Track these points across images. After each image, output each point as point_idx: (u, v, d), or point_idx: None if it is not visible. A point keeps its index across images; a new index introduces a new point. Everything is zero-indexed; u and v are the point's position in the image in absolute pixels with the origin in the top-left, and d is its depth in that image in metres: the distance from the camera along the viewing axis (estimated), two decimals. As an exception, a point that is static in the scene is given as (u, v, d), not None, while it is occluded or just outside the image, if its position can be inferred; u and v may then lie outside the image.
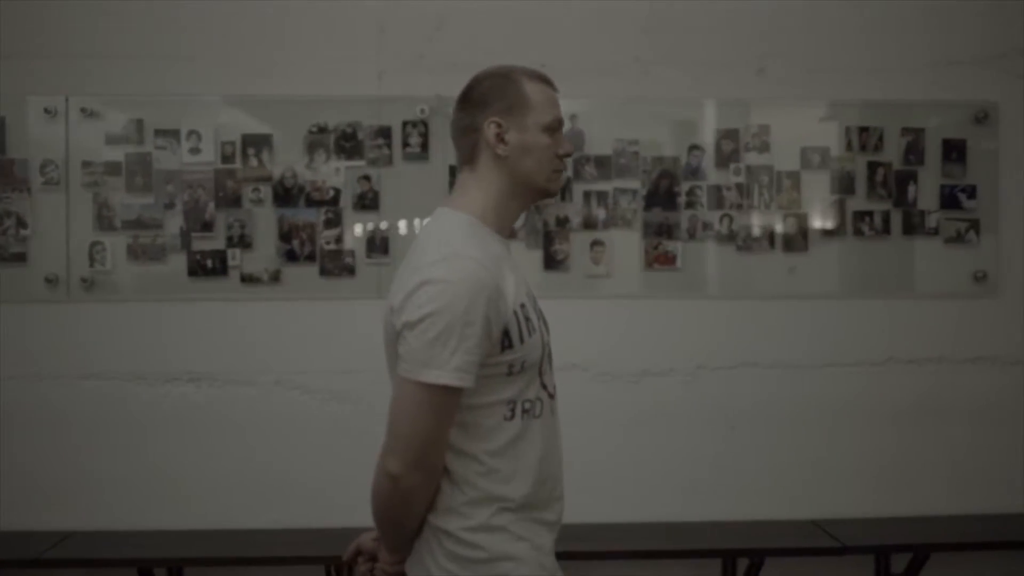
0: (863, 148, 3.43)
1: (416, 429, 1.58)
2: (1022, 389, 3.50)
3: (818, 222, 3.44)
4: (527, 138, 1.70)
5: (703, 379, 3.43)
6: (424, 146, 3.36)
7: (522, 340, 1.64)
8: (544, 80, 1.75)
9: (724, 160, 3.41)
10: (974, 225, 3.46)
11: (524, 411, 1.66)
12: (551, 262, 3.38)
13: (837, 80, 3.44)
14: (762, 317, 3.45)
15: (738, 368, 3.44)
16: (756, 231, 3.42)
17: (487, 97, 1.71)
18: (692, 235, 3.41)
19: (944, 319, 3.50)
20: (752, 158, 3.41)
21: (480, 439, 1.63)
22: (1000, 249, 3.48)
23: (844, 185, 3.43)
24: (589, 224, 3.39)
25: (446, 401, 1.58)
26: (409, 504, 1.63)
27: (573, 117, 3.36)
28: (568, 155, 1.79)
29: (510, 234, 1.82)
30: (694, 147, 3.41)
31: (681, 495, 3.40)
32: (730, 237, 3.41)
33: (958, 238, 3.46)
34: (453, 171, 3.35)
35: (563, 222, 3.39)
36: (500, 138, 1.69)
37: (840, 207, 3.44)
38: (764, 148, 3.41)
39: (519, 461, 1.65)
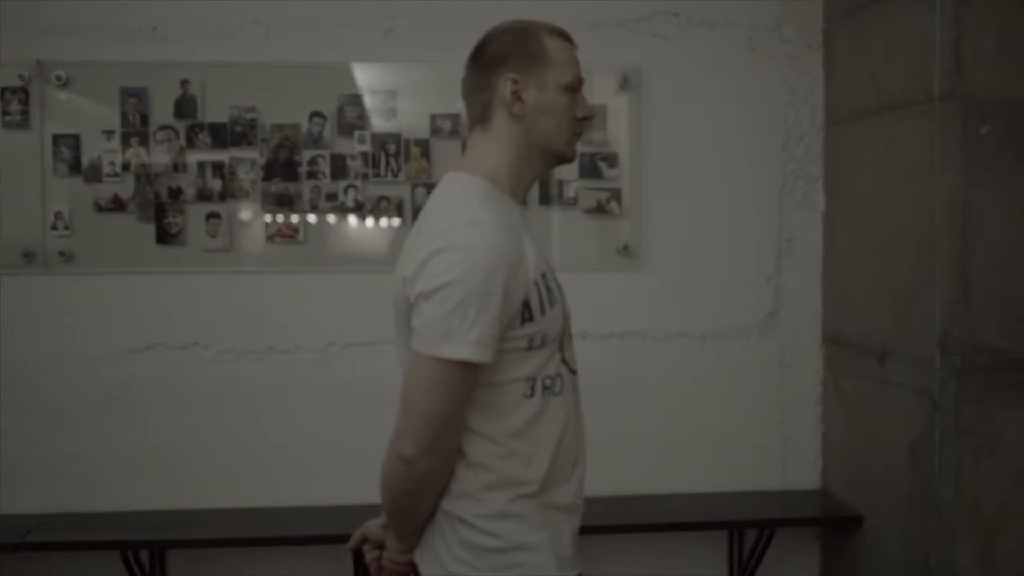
0: (495, 114, 3.27)
1: (432, 408, 1.47)
2: (671, 364, 3.38)
3: (450, 192, 3.28)
4: (545, 97, 1.59)
5: (334, 356, 3.29)
6: (25, 114, 3.17)
7: (543, 312, 1.53)
8: (564, 36, 1.64)
9: (348, 128, 3.24)
10: (616, 195, 3.32)
11: (544, 388, 1.55)
12: (164, 236, 3.22)
13: (468, 42, 3.24)
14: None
15: (374, 345, 3.29)
16: (384, 202, 3.26)
17: (504, 52, 1.60)
18: (315, 206, 3.24)
19: (588, 293, 3.26)
20: (378, 125, 3.25)
21: (498, 419, 1.53)
22: (643, 220, 3.33)
23: (477, 153, 3.27)
24: (204, 196, 3.22)
25: (464, 378, 1.46)
26: (423, 490, 1.53)
27: (185, 83, 3.19)
28: (588, 118, 1.66)
29: (523, 201, 1.66)
30: (316, 114, 3.23)
31: (306, 477, 3.27)
32: (356, 208, 3.25)
33: (599, 209, 3.31)
34: (56, 139, 3.19)
35: (176, 193, 3.21)
36: (517, 96, 1.58)
37: (473, 176, 3.28)
38: (391, 115, 3.25)
39: (539, 442, 1.55)
